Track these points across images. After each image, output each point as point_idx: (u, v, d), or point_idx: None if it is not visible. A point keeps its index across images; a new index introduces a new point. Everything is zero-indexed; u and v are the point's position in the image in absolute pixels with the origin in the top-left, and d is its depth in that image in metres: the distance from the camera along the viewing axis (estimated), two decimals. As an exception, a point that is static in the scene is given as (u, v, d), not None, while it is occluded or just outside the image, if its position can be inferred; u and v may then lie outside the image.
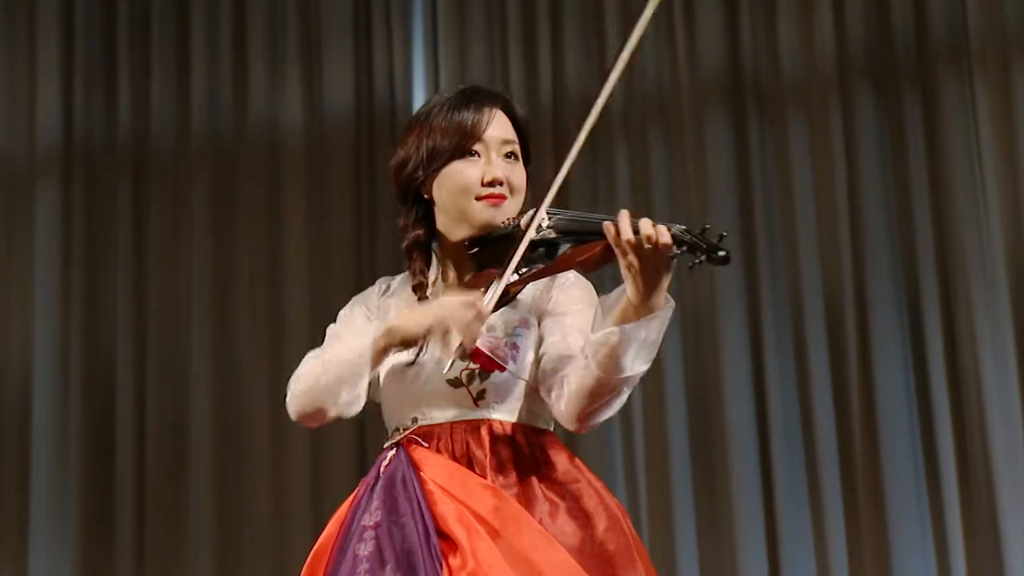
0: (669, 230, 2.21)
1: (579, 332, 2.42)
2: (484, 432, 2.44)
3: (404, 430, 2.51)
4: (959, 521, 4.73)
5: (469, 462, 2.42)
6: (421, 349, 2.44)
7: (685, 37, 5.23)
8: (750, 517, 4.86)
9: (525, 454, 2.43)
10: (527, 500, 2.39)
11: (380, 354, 2.43)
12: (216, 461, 5.19)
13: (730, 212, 5.09)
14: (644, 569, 2.38)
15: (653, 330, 2.27)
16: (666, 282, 2.26)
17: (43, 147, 5.46)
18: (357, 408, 2.48)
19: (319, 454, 5.13)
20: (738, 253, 5.06)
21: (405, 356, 2.48)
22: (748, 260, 5.06)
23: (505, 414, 2.46)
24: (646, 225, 2.23)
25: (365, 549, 2.37)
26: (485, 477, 2.39)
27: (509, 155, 2.58)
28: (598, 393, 2.31)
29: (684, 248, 2.20)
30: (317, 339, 2.64)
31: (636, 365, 2.28)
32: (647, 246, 2.22)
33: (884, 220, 5.01)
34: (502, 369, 2.44)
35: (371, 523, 2.39)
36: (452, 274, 2.57)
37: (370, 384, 2.50)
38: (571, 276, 2.49)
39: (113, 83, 5.50)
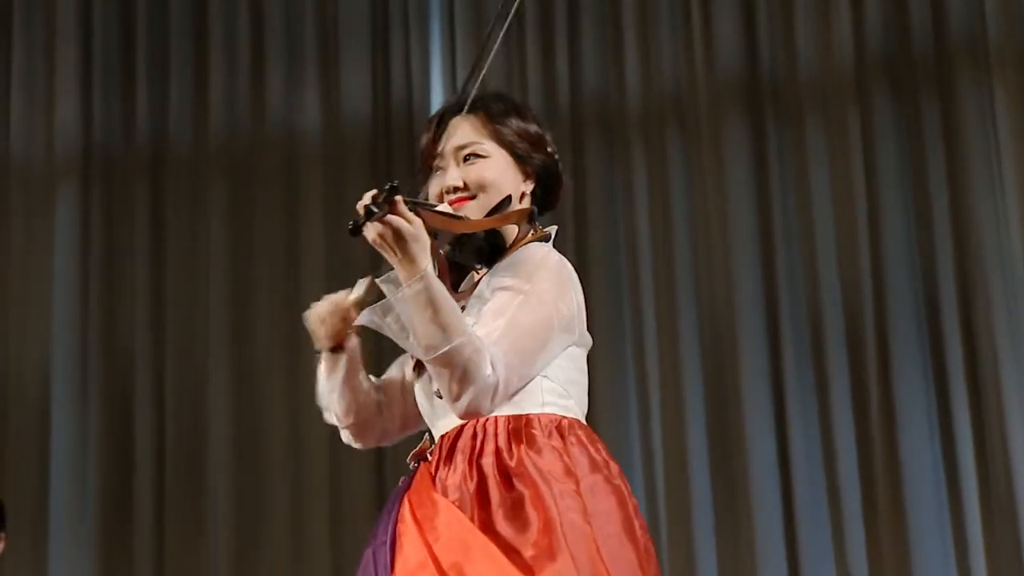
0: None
1: (490, 317, 2.43)
2: (453, 435, 2.45)
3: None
4: (979, 530, 4.72)
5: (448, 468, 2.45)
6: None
7: (702, 39, 5.23)
8: (770, 526, 4.85)
9: (488, 449, 2.40)
10: (480, 497, 2.36)
11: (326, 362, 2.62)
12: (234, 463, 5.20)
13: (747, 214, 5.09)
14: (574, 559, 2.31)
15: (409, 303, 2.32)
16: (404, 251, 2.32)
17: (62, 150, 5.48)
18: (338, 412, 2.64)
19: (337, 456, 5.13)
20: (756, 255, 5.06)
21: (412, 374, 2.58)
22: (766, 261, 5.05)
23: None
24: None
25: (372, 569, 2.41)
26: (434, 480, 2.41)
27: (468, 157, 2.57)
28: (437, 376, 2.35)
29: (363, 219, 2.30)
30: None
31: (431, 340, 2.31)
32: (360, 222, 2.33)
33: (902, 221, 5.00)
34: None
35: (377, 543, 2.43)
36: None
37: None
38: (511, 258, 2.49)
39: (131, 86, 5.52)
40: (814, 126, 5.12)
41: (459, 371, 2.32)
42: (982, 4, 5.03)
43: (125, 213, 5.43)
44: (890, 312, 4.93)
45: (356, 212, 2.30)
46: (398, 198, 2.31)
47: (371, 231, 2.33)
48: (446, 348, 2.30)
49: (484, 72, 2.55)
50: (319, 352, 2.60)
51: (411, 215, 2.33)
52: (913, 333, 4.92)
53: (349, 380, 2.61)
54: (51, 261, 5.39)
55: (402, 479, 2.49)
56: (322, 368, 2.62)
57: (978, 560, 4.70)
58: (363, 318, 2.43)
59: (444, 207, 2.52)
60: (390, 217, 2.31)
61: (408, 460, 2.50)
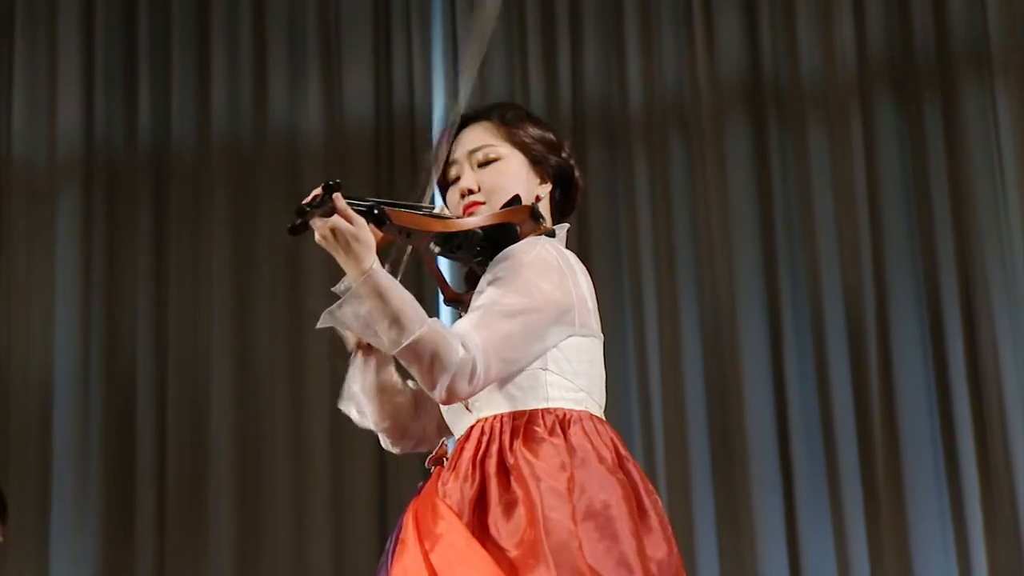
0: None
1: (473, 308, 2.44)
2: (464, 438, 2.45)
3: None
4: (980, 523, 4.73)
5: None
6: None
7: (704, 44, 5.23)
8: (770, 520, 4.86)
9: (492, 449, 2.40)
10: (478, 500, 2.36)
11: (358, 364, 2.57)
12: (237, 466, 5.20)
13: (750, 219, 5.09)
14: (554, 559, 2.29)
15: (364, 301, 2.32)
16: (347, 250, 2.33)
17: (64, 153, 5.48)
18: (372, 416, 2.58)
19: (339, 458, 5.13)
20: (758, 258, 5.07)
21: None
22: (768, 264, 5.05)
23: (491, 409, 2.44)
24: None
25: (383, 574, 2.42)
26: (437, 486, 2.41)
27: (482, 162, 2.60)
28: (410, 369, 2.36)
29: (297, 218, 2.33)
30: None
31: (391, 335, 2.31)
32: None
33: (904, 226, 5.00)
34: None
35: (386, 549, 2.44)
36: None
37: None
38: (501, 253, 2.48)
39: (133, 89, 5.51)
40: (816, 129, 5.12)
41: (427, 359, 2.31)
42: (984, 7, 5.04)
43: (127, 216, 5.43)
44: (892, 314, 4.94)
45: (300, 207, 2.34)
46: (336, 196, 2.32)
47: (317, 232, 2.35)
48: (408, 340, 2.30)
49: (475, 83, 2.56)
50: (350, 355, 2.56)
51: (352, 214, 2.34)
52: (915, 334, 4.92)
53: (379, 382, 2.57)
54: (53, 264, 5.39)
55: (420, 483, 2.49)
56: (353, 370, 2.58)
57: (978, 552, 4.71)
58: (325, 320, 2.40)
59: (440, 209, 2.53)
60: (329, 217, 2.32)
61: (426, 464, 2.50)
